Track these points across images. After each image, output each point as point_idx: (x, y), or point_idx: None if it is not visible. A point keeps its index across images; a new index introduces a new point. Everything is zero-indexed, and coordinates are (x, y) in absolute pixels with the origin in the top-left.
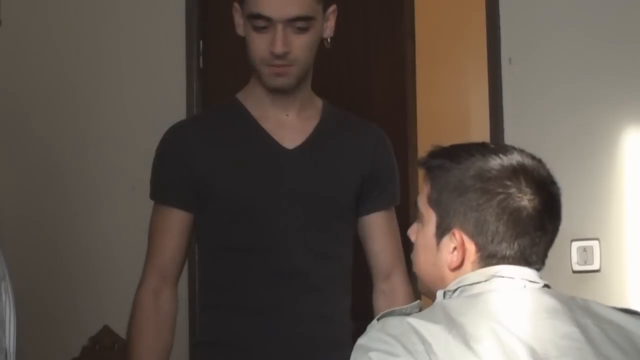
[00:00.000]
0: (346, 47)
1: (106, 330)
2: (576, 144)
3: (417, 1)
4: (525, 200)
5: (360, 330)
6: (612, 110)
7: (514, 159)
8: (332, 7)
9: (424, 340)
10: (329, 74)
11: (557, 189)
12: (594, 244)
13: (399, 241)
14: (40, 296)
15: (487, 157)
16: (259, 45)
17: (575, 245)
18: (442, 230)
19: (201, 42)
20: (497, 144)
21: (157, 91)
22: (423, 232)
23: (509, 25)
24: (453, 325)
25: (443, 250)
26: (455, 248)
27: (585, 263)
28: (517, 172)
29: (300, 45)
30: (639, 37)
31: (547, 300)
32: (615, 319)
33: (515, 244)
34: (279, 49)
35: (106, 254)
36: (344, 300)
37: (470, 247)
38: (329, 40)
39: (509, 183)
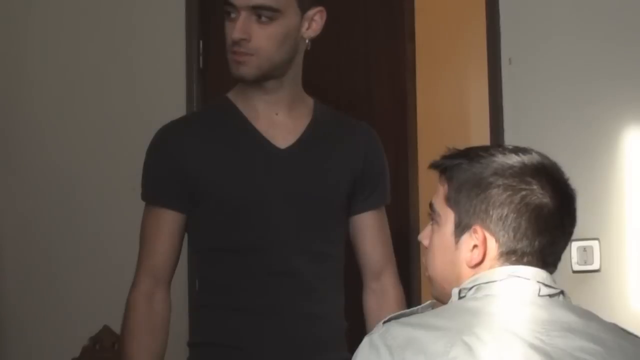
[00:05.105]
0: (346, 47)
1: (106, 330)
2: (576, 144)
3: (417, 2)
4: (547, 197)
5: (353, 330)
6: (612, 111)
7: (534, 158)
8: (317, 9)
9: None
10: (329, 74)
11: (573, 191)
12: (594, 244)
13: (389, 240)
14: (41, 296)
15: (507, 156)
16: (227, 32)
17: (575, 245)
18: (461, 229)
19: (201, 42)
20: (514, 145)
21: (157, 91)
22: (440, 233)
23: (509, 25)
24: (463, 333)
25: (462, 249)
26: (475, 245)
27: (585, 263)
28: (539, 171)
29: (263, 36)
30: (639, 37)
31: (563, 314)
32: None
33: (536, 242)
34: (235, 34)
35: (106, 254)
36: (337, 300)
37: (492, 243)
38: (307, 41)
39: (530, 180)
